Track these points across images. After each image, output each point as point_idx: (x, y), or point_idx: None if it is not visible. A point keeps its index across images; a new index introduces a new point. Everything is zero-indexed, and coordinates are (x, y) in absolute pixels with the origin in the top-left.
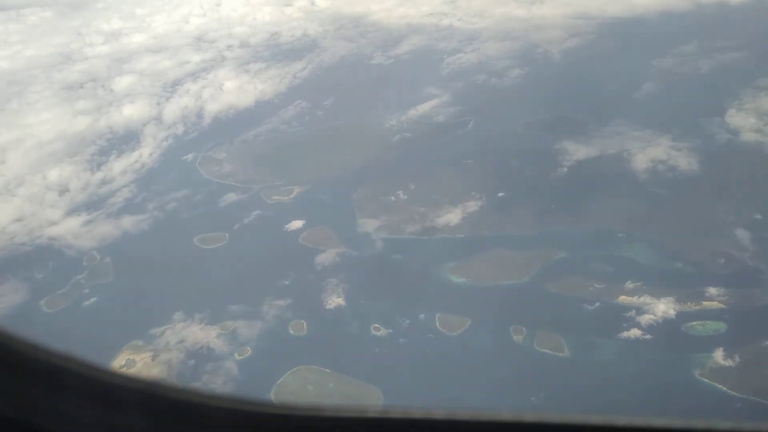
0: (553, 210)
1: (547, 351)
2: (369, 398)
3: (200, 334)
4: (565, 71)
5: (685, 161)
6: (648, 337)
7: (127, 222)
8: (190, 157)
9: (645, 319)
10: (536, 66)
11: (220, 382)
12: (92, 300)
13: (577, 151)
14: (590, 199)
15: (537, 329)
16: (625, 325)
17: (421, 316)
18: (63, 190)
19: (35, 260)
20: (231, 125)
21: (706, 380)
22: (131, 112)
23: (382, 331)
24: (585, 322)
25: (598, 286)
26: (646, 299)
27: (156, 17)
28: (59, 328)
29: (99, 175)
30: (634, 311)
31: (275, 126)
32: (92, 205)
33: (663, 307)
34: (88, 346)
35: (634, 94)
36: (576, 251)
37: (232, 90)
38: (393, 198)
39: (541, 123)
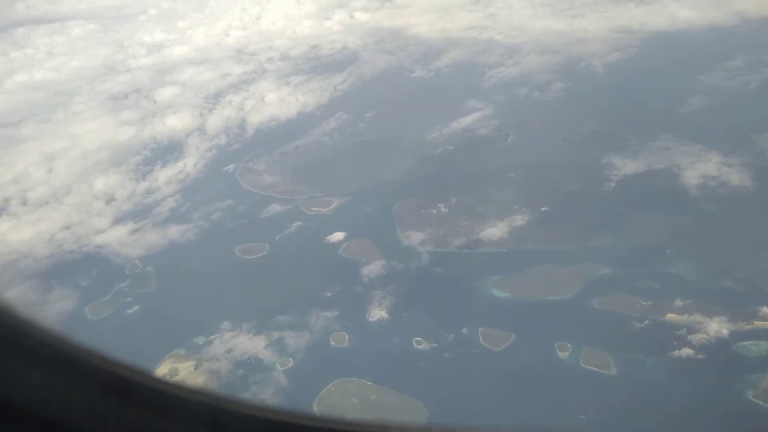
0: (597, 225)
1: (594, 368)
2: (412, 412)
3: (248, 344)
4: (609, 85)
5: (737, 177)
6: (700, 356)
7: (174, 231)
8: (230, 167)
9: (697, 338)
10: (579, 80)
11: (269, 392)
12: (135, 308)
13: (624, 165)
14: (637, 214)
15: (582, 346)
16: (675, 343)
17: (464, 330)
18: (109, 199)
19: (83, 268)
20: (273, 136)
21: (760, 402)
22: (175, 122)
23: (425, 345)
24: (633, 340)
25: (644, 303)
26: (696, 317)
27: (197, 30)
28: (102, 336)
29: (144, 185)
30: (684, 330)
31: (317, 138)
32: (138, 214)
33: (715, 326)
34: (131, 354)
35: (681, 109)
36: (621, 267)
37: (274, 102)
38: (434, 211)
39: (584, 137)
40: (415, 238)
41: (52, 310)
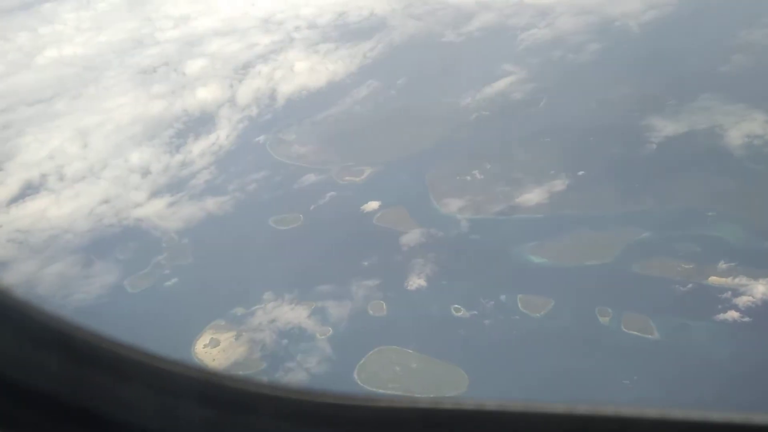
0: (637, 189)
1: (636, 333)
2: (454, 379)
3: (291, 314)
4: (646, 45)
5: None
6: (746, 319)
7: (211, 203)
8: (261, 138)
9: (743, 300)
10: (614, 40)
11: (314, 361)
12: (173, 281)
13: (665, 127)
14: (678, 176)
15: (624, 311)
16: (720, 307)
17: (503, 297)
18: (145, 173)
19: (123, 241)
20: (304, 106)
21: None
22: (205, 94)
23: (463, 312)
24: (675, 304)
25: (686, 266)
26: (741, 280)
27: (221, 0)
28: (142, 309)
29: (178, 158)
30: (729, 292)
31: (349, 106)
32: (174, 186)
33: (762, 288)
34: (171, 326)
35: (722, 68)
36: (661, 231)
37: (304, 71)
38: (469, 178)
39: (622, 99)
40: (452, 205)
41: (95, 284)
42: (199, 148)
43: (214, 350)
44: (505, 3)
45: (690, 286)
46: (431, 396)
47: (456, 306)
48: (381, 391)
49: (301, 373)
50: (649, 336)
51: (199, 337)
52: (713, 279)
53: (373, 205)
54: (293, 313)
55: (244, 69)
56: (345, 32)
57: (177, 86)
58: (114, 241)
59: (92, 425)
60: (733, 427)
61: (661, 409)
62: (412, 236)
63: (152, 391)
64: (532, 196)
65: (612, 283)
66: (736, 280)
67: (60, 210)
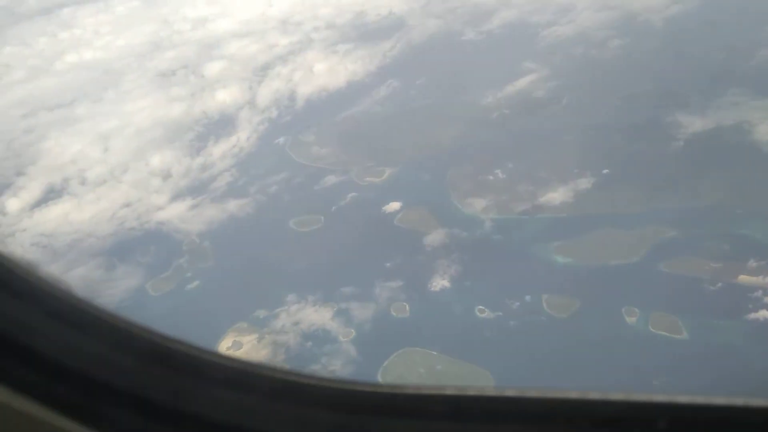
0: (662, 187)
1: (664, 333)
2: (480, 381)
3: (315, 315)
4: (670, 40)
5: None
6: None
7: (232, 205)
8: (281, 140)
9: None
10: (638, 35)
11: (339, 363)
12: (195, 283)
13: (692, 123)
14: (704, 173)
15: (651, 310)
16: (751, 306)
17: (527, 297)
18: (166, 176)
19: (146, 244)
20: (324, 107)
21: None
22: (224, 97)
23: (487, 314)
24: (704, 303)
25: (714, 265)
26: None
27: (239, 2)
28: (164, 312)
29: (199, 160)
30: (760, 291)
31: (368, 106)
32: (196, 189)
33: None
34: (194, 329)
35: (750, 62)
36: (688, 229)
37: (323, 72)
38: (491, 177)
39: (646, 95)
40: (475, 205)
41: (119, 287)
42: (219, 151)
43: (237, 353)
44: (525, 0)
45: (719, 285)
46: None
47: (480, 307)
48: None
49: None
50: (678, 336)
51: (221, 340)
52: (743, 278)
53: (395, 205)
54: (317, 315)
55: (263, 70)
56: (364, 32)
57: (196, 89)
58: (136, 244)
59: (184, 425)
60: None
61: (691, 395)
62: (435, 237)
63: (244, 391)
64: (556, 195)
65: (638, 283)
66: (767, 279)
67: (82, 214)
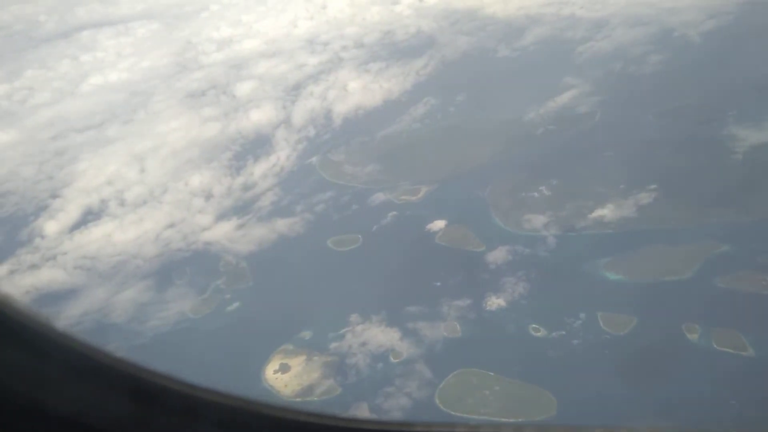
0: (713, 201)
1: (729, 350)
2: (542, 402)
3: (381, 336)
4: (709, 54)
5: None
6: None
7: (281, 225)
8: (314, 159)
9: None
10: (676, 51)
11: (414, 386)
12: (235, 305)
13: (749, 136)
14: (757, 187)
15: (712, 327)
16: None
17: (582, 315)
18: (208, 196)
19: (194, 265)
20: (362, 125)
21: None
22: (259, 116)
23: (541, 332)
24: (765, 318)
25: None
26: None
27: (263, 23)
28: (206, 334)
29: (240, 180)
30: None
31: (407, 124)
32: (240, 209)
33: None
34: (238, 352)
35: None
36: (743, 244)
37: (357, 90)
38: (536, 194)
39: (691, 109)
40: (521, 223)
41: (171, 310)
42: (260, 170)
43: (285, 376)
44: (556, 17)
45: None
46: (515, 420)
47: (534, 326)
48: (463, 415)
49: (389, 399)
50: (744, 353)
51: (267, 363)
52: None
53: (440, 224)
54: (366, 336)
55: (295, 90)
56: (393, 51)
57: (229, 109)
58: (185, 265)
59: None
60: None
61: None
62: (498, 254)
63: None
64: (604, 212)
65: (695, 299)
66: None
67: (125, 235)
